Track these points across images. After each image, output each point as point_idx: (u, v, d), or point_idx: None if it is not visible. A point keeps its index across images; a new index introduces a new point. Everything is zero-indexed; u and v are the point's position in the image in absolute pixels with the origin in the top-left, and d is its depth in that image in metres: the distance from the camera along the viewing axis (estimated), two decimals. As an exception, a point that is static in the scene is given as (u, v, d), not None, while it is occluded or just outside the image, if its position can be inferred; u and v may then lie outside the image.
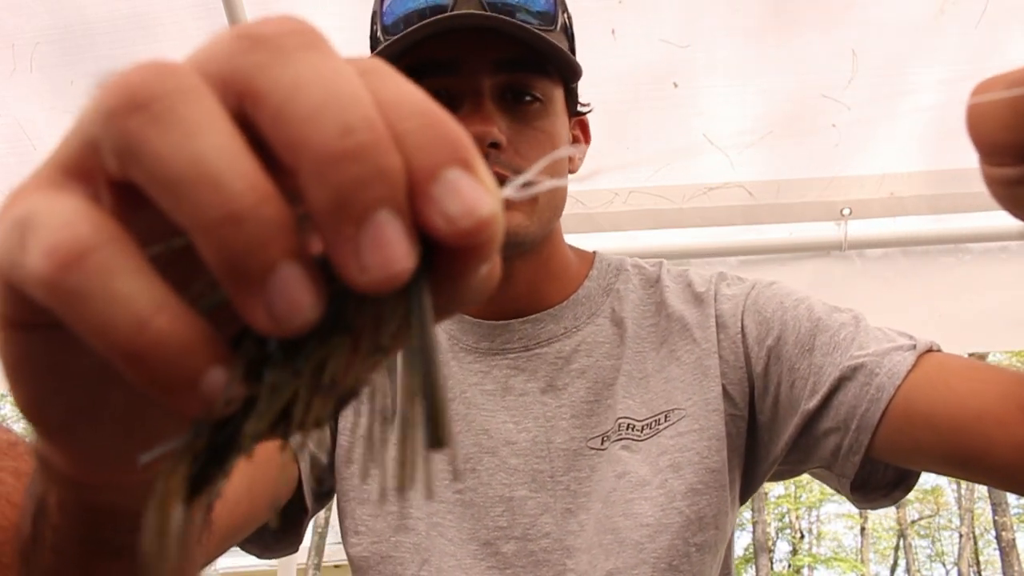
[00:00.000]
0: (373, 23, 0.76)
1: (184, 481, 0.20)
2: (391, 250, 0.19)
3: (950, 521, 20.61)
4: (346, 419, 0.79)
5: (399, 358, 0.21)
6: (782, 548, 21.04)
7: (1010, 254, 1.54)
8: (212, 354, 0.20)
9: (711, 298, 0.78)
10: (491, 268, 0.22)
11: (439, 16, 0.67)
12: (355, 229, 0.19)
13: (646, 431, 0.74)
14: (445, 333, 0.82)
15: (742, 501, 0.79)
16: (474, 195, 0.20)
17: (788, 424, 0.71)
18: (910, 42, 1.37)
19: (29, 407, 0.25)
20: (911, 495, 0.74)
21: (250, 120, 0.20)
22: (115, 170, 0.20)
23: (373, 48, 0.76)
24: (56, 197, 0.20)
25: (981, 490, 16.88)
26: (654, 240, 1.61)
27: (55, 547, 0.33)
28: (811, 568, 20.58)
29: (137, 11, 1.34)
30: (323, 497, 0.82)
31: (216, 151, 0.19)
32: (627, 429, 0.74)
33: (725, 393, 0.74)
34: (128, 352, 0.19)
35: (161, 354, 0.19)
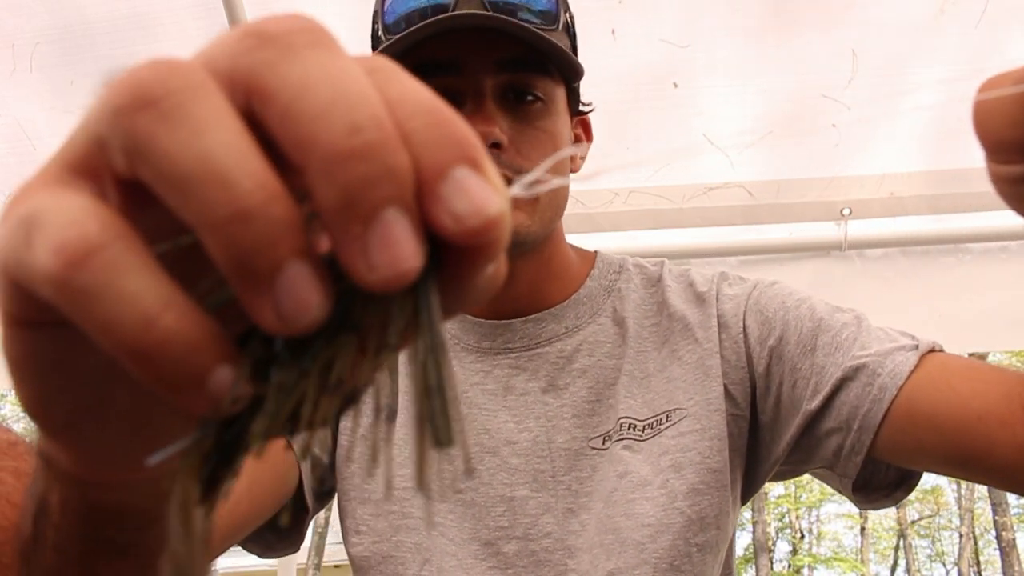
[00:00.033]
0: (374, 22, 0.76)
1: (198, 482, 0.20)
2: (399, 249, 0.19)
3: (950, 521, 20.62)
4: (346, 419, 0.79)
5: (402, 358, 0.21)
6: (782, 548, 21.06)
7: (1010, 254, 1.54)
8: (219, 352, 0.20)
9: (713, 298, 0.78)
10: (497, 267, 0.22)
11: (441, 16, 0.67)
12: (363, 228, 0.19)
13: (647, 431, 0.74)
14: (446, 333, 0.82)
15: (744, 501, 0.79)
16: (482, 194, 0.20)
17: (790, 424, 0.71)
18: (910, 42, 1.37)
19: (34, 405, 0.25)
20: (911, 495, 0.74)
21: (258, 118, 0.20)
22: (122, 168, 0.20)
23: (374, 47, 0.76)
24: (63, 195, 0.20)
25: (981, 490, 16.89)
26: (654, 240, 1.61)
27: (57, 546, 0.33)
28: (811, 568, 20.59)
29: (137, 11, 1.34)
30: (324, 497, 0.82)
31: (224, 149, 0.19)
32: (628, 429, 0.74)
33: (727, 393, 0.74)
34: (135, 350, 0.19)
35: (168, 352, 0.19)
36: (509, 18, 0.67)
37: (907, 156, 1.49)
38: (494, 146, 0.69)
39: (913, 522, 20.63)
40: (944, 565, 21.10)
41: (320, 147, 0.19)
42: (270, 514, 0.73)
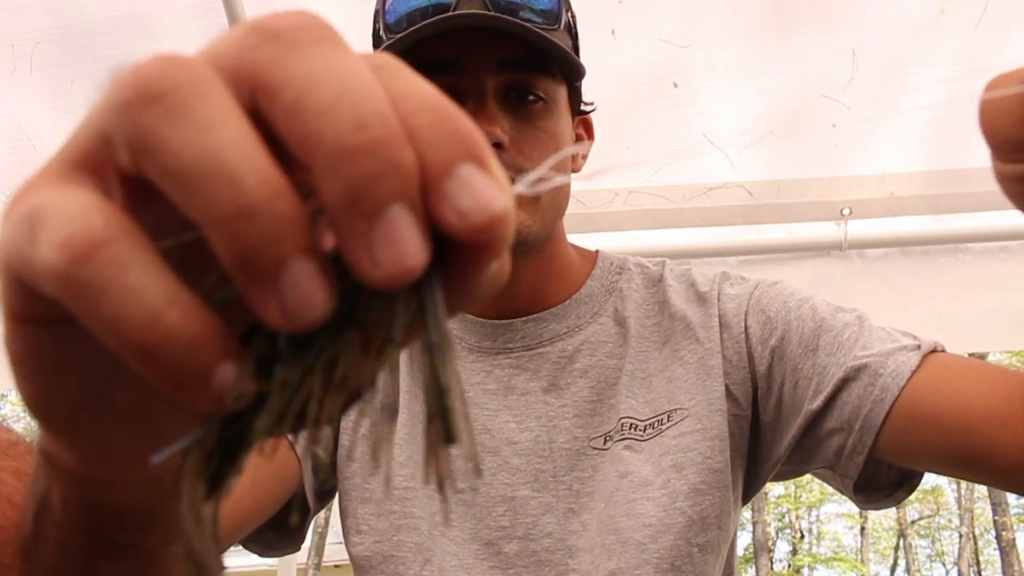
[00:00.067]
0: (376, 21, 0.76)
1: (201, 479, 0.20)
2: (404, 245, 0.19)
3: (950, 521, 20.63)
4: (348, 418, 0.79)
5: (401, 356, 0.21)
6: (782, 548, 21.06)
7: (1010, 254, 1.54)
8: (223, 349, 0.20)
9: (714, 298, 0.78)
10: (501, 264, 0.22)
11: (442, 15, 0.67)
12: (368, 224, 0.19)
13: (649, 431, 0.74)
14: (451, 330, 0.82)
15: (745, 501, 0.79)
16: (487, 191, 0.20)
17: (791, 424, 0.71)
18: (910, 42, 1.37)
19: (36, 403, 0.25)
20: (911, 495, 0.74)
21: (263, 114, 0.20)
22: (126, 164, 0.20)
23: (375, 46, 0.76)
24: (67, 191, 0.20)
25: (981, 490, 16.89)
26: (654, 240, 1.61)
27: (58, 544, 0.33)
28: (811, 568, 20.59)
29: (137, 11, 1.34)
30: (324, 496, 0.82)
31: (230, 145, 0.19)
32: (630, 429, 0.74)
33: (728, 393, 0.74)
34: (139, 346, 0.19)
35: (172, 349, 0.19)
36: (510, 18, 0.67)
37: (907, 156, 1.49)
38: (495, 146, 0.69)
39: (913, 522, 20.64)
40: (944, 565, 21.11)
41: (326, 143, 0.19)
42: (271, 513, 0.73)
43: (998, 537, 15.01)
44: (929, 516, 20.89)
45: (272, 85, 0.20)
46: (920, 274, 1.55)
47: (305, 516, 0.80)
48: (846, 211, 1.53)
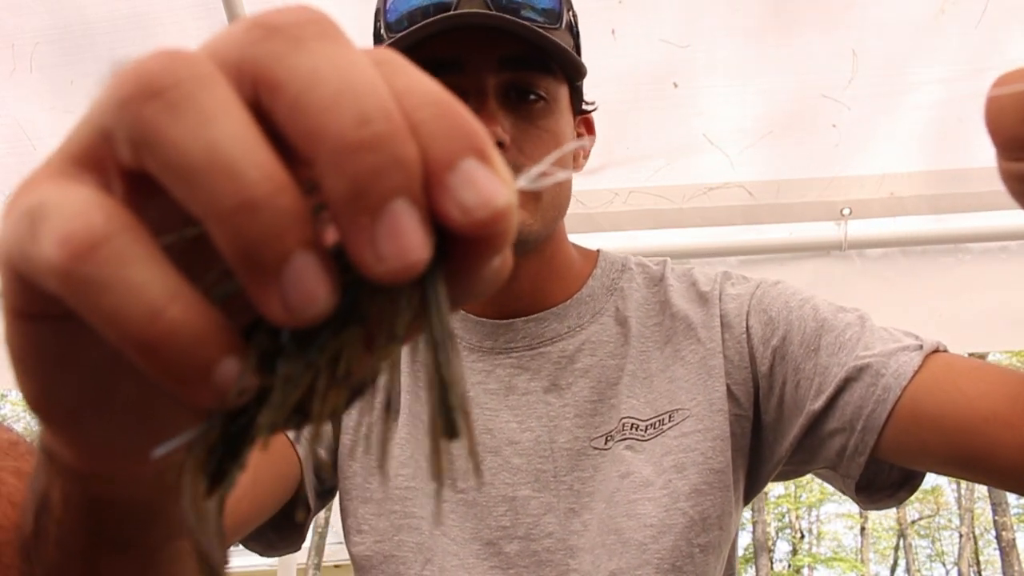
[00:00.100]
0: (376, 20, 0.76)
1: (204, 474, 0.20)
2: (407, 240, 0.19)
3: (950, 521, 20.63)
4: (348, 416, 0.79)
5: (405, 352, 0.21)
6: (782, 548, 21.06)
7: (1010, 254, 1.54)
8: (225, 344, 0.20)
9: (716, 297, 0.78)
10: (503, 260, 0.22)
11: (444, 14, 0.67)
12: (371, 219, 0.19)
13: (650, 431, 0.74)
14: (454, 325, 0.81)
15: (746, 501, 0.79)
16: (490, 186, 0.20)
17: (793, 424, 0.71)
18: (910, 42, 1.37)
19: (37, 399, 0.24)
20: (913, 495, 0.74)
21: (265, 109, 0.20)
22: (128, 159, 0.20)
23: (376, 45, 0.76)
24: (68, 187, 0.20)
25: (981, 490, 16.90)
26: (654, 240, 1.61)
27: (59, 542, 0.33)
28: (811, 568, 20.59)
29: (137, 11, 1.34)
30: (325, 496, 0.82)
31: (232, 139, 0.19)
32: (631, 429, 0.74)
33: (729, 393, 0.74)
34: (141, 342, 0.19)
35: (174, 344, 0.19)
36: (512, 17, 0.67)
37: (907, 156, 1.49)
38: (496, 145, 0.69)
39: (913, 522, 20.64)
40: (944, 565, 21.11)
41: (329, 138, 0.19)
42: (271, 513, 0.73)
43: (998, 537, 15.01)
44: (929, 516, 20.89)
45: (275, 80, 0.20)
46: (920, 274, 1.55)
47: (306, 515, 0.80)
48: (846, 211, 1.53)
